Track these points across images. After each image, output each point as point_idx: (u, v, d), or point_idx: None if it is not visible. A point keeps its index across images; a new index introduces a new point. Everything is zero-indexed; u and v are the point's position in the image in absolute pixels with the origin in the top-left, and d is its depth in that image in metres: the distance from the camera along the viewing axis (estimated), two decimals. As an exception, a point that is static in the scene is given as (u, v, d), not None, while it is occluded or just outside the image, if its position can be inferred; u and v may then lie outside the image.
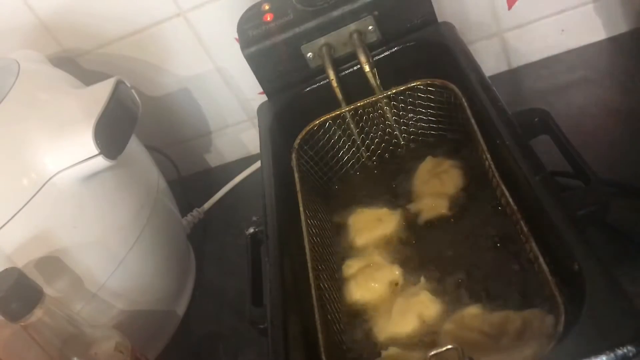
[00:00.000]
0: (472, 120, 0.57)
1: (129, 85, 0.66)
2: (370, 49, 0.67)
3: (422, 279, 0.55)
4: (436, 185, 0.62)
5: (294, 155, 0.65)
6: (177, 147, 0.95)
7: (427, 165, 0.65)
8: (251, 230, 0.64)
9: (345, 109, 0.67)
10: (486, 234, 0.57)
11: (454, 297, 0.53)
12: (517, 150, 0.51)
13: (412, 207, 0.63)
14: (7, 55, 0.71)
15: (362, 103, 0.66)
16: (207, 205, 0.90)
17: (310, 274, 0.54)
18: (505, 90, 0.70)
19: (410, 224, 0.62)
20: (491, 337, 0.48)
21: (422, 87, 0.65)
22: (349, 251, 0.63)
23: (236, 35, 0.70)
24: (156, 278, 0.70)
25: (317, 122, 0.66)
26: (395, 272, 0.57)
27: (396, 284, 0.57)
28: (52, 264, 0.59)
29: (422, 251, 0.59)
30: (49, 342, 0.52)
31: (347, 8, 0.66)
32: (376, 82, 0.67)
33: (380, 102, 0.67)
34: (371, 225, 0.63)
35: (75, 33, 0.83)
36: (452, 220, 0.60)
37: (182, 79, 0.88)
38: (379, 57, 0.67)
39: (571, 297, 0.42)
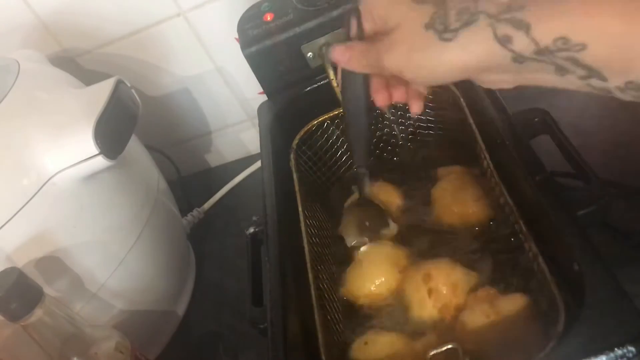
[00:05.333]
0: (470, 120, 0.57)
1: (129, 85, 0.66)
2: (370, 48, 0.67)
3: None
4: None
5: (292, 156, 0.64)
6: (177, 147, 0.95)
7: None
8: (251, 230, 0.64)
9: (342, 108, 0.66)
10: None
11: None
12: (517, 150, 0.51)
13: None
14: (7, 55, 0.71)
15: (360, 103, 0.66)
16: (207, 205, 0.90)
17: (310, 274, 0.54)
18: (505, 90, 0.70)
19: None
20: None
21: (419, 87, 0.64)
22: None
23: (236, 35, 0.70)
24: (156, 278, 0.70)
25: (315, 122, 0.66)
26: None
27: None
28: (52, 264, 0.59)
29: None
30: (49, 342, 0.52)
31: (347, 8, 0.65)
32: (376, 82, 0.67)
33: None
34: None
35: (75, 33, 0.83)
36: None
37: (182, 79, 0.88)
38: (378, 57, 0.67)
39: (571, 297, 0.42)
